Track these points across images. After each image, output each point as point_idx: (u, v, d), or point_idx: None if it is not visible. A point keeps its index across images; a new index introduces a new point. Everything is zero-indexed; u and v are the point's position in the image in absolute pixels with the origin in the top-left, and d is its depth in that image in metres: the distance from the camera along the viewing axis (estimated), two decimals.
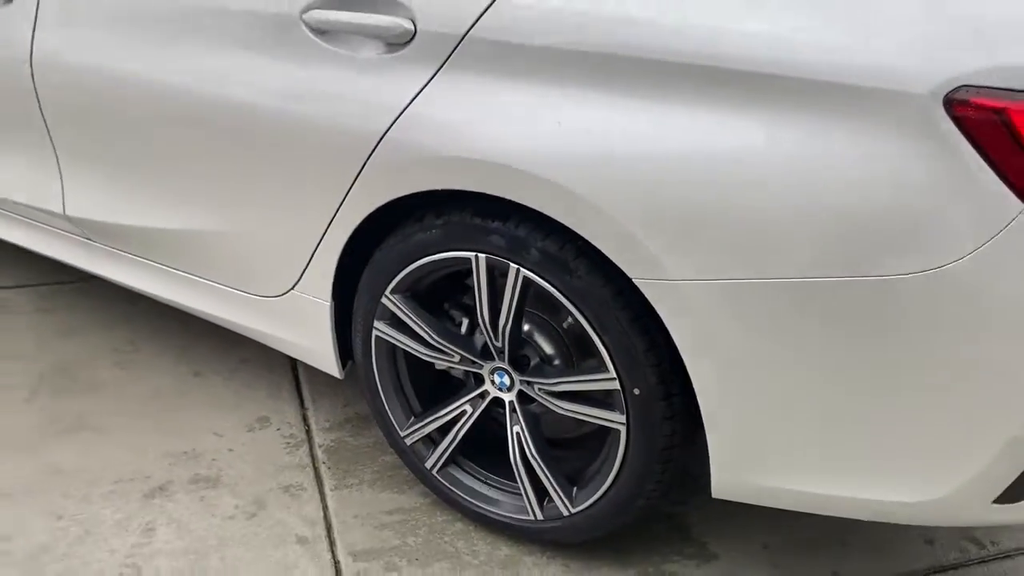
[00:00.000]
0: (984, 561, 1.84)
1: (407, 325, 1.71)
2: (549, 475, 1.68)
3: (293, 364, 2.30)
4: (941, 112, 1.19)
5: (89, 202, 2.05)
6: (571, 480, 1.69)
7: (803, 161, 1.26)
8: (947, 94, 1.18)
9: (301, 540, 1.78)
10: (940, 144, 1.19)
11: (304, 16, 1.59)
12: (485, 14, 1.44)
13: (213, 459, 1.98)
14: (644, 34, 1.33)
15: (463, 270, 1.61)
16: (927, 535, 1.88)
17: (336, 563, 1.73)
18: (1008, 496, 1.38)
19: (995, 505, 1.39)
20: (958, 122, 1.18)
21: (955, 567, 1.82)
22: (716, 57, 1.28)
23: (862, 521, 1.80)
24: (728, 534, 1.85)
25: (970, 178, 1.19)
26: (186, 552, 1.73)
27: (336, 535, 1.80)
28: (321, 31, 1.59)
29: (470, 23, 1.45)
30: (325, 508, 1.86)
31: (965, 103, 1.18)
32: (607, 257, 1.41)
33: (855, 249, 1.26)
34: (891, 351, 1.30)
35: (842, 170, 1.25)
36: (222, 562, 1.72)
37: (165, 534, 1.77)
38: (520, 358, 1.66)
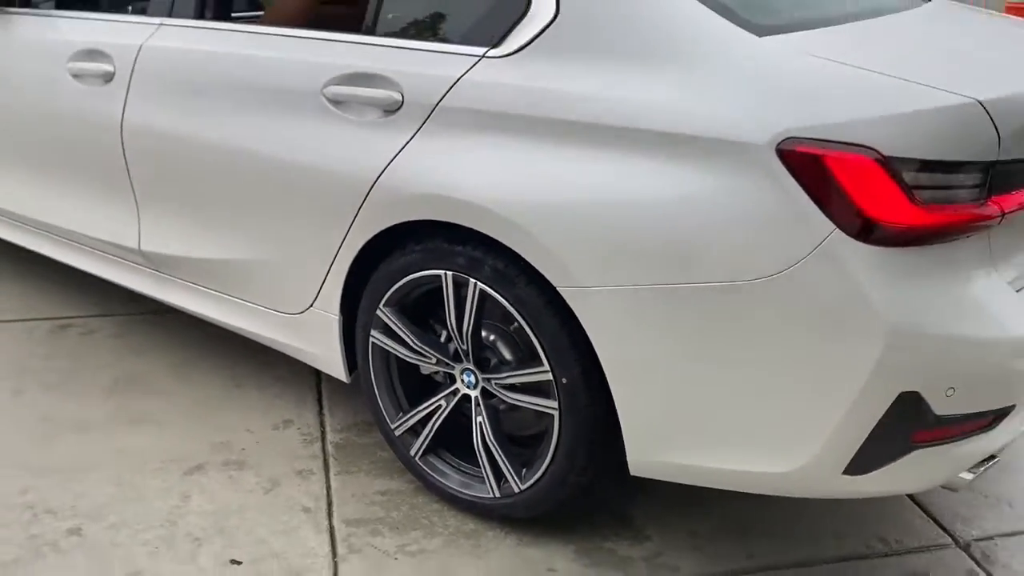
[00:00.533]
0: (886, 555, 2.12)
1: (396, 333, 2.13)
2: (504, 458, 2.05)
3: (317, 381, 2.72)
4: (775, 157, 1.58)
5: (160, 238, 2.56)
6: (524, 465, 2.05)
7: (678, 197, 1.66)
8: (779, 144, 1.58)
9: (306, 509, 2.17)
10: (775, 181, 1.58)
11: (323, 90, 2.08)
12: (450, 90, 1.90)
13: (242, 448, 2.40)
14: (561, 103, 1.77)
15: (439, 288, 2.03)
16: (838, 530, 2.17)
17: (331, 527, 2.12)
18: (855, 468, 1.70)
19: (846, 476, 1.71)
20: (787, 165, 1.57)
21: (859, 558, 2.10)
22: (623, 120, 1.70)
23: (779, 516, 2.13)
24: (663, 523, 2.17)
25: (796, 206, 1.57)
26: (213, 513, 2.15)
27: (334, 508, 2.19)
28: (336, 102, 2.07)
29: (440, 96, 1.91)
30: (328, 488, 2.26)
31: (792, 151, 1.57)
32: (539, 271, 1.82)
33: (714, 261, 1.64)
34: (744, 343, 1.66)
35: (705, 202, 1.64)
36: (241, 522, 2.12)
37: (198, 500, 2.19)
38: (483, 360, 2.06)
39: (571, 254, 1.76)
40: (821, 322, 1.59)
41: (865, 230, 1.55)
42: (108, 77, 2.51)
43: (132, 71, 2.47)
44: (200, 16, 2.42)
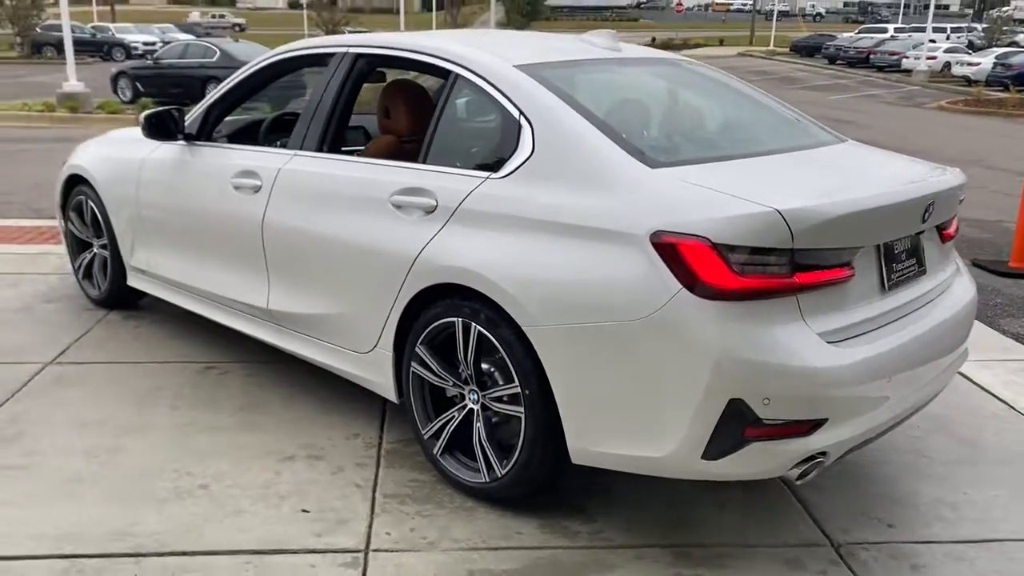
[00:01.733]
0: (772, 547, 2.83)
1: (428, 364, 3.08)
2: (492, 453, 2.93)
3: (383, 410, 3.68)
4: (648, 243, 2.49)
5: (281, 299, 3.64)
6: (504, 459, 2.92)
7: (594, 266, 2.58)
8: (650, 235, 2.48)
9: (358, 486, 3.10)
10: (648, 258, 2.49)
11: (389, 199, 3.13)
12: (466, 198, 2.91)
13: (322, 447, 3.37)
14: (531, 208, 2.74)
15: (454, 331, 2.97)
16: (741, 528, 2.90)
17: (373, 497, 3.03)
18: (709, 454, 2.50)
19: (704, 461, 2.51)
20: (656, 248, 2.48)
21: (750, 547, 2.82)
22: (567, 219, 2.65)
23: (698, 515, 2.90)
24: (610, 514, 2.97)
25: (660, 273, 2.46)
26: (294, 483, 3.11)
27: (378, 486, 3.10)
28: (397, 206, 3.11)
29: (459, 202, 2.92)
30: (376, 474, 3.18)
31: (659, 240, 2.48)
32: (512, 317, 2.74)
33: (614, 307, 2.53)
34: (632, 362, 2.52)
35: (610, 270, 2.55)
36: (312, 489, 3.07)
37: (286, 476, 3.16)
38: (481, 382, 2.97)
39: (531, 304, 2.68)
40: (675, 348, 2.45)
41: (700, 289, 2.41)
42: (256, 189, 3.67)
43: (273, 185, 3.62)
44: (320, 150, 3.56)
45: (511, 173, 2.87)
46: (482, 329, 2.86)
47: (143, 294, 4.71)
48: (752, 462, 2.53)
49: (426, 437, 3.14)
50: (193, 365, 4.18)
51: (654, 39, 61.01)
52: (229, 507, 2.96)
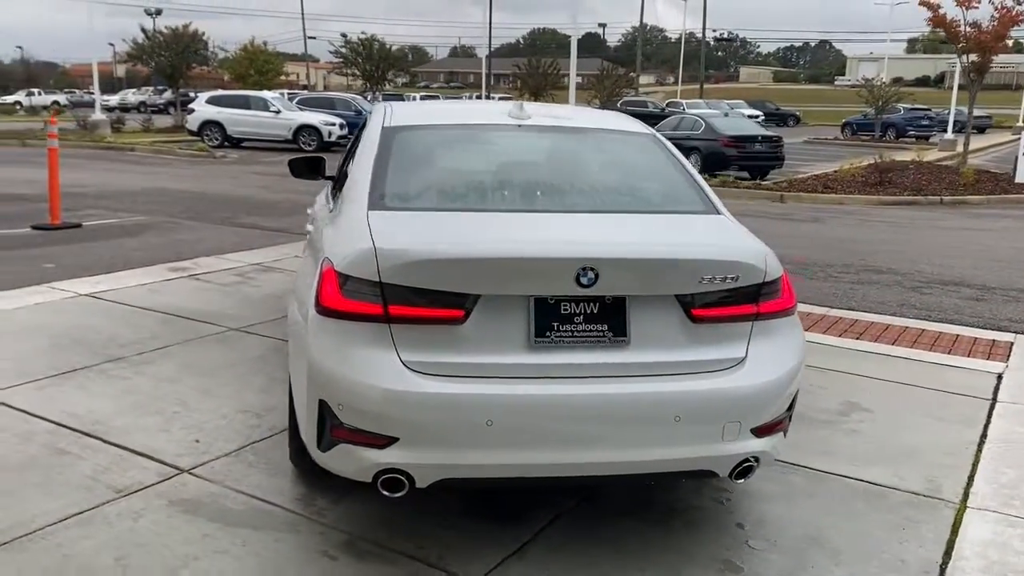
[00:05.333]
0: (417, 559, 3.05)
1: None
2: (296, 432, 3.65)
3: None
4: (320, 264, 3.06)
5: None
6: None
7: (307, 282, 3.21)
8: (321, 258, 3.06)
9: (248, 437, 4.05)
10: (318, 278, 3.05)
11: (308, 228, 4.05)
12: (316, 222, 3.70)
13: (271, 413, 4.37)
14: (319, 232, 3.45)
15: None
16: (415, 538, 3.16)
17: (244, 446, 3.95)
18: (320, 446, 2.95)
19: (318, 451, 2.97)
20: (320, 269, 3.04)
21: (405, 556, 3.09)
22: (319, 243, 3.32)
23: (434, 523, 3.29)
24: (361, 504, 3.45)
25: (313, 290, 3.02)
26: (219, 427, 4.17)
27: (258, 442, 4.01)
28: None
29: (315, 224, 3.73)
30: (271, 436, 4.09)
31: (320, 264, 3.04)
32: None
33: (304, 310, 3.13)
34: (300, 359, 3.09)
35: (309, 285, 3.16)
36: (223, 432, 4.11)
37: (224, 421, 4.25)
38: None
39: (291, 306, 3.40)
40: (302, 351, 2.97)
41: (318, 306, 2.91)
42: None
43: (317, 213, 4.76)
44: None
45: (336, 205, 3.59)
46: None
47: None
48: (343, 461, 2.90)
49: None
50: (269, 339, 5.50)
51: None
52: (166, 427, 4.16)
